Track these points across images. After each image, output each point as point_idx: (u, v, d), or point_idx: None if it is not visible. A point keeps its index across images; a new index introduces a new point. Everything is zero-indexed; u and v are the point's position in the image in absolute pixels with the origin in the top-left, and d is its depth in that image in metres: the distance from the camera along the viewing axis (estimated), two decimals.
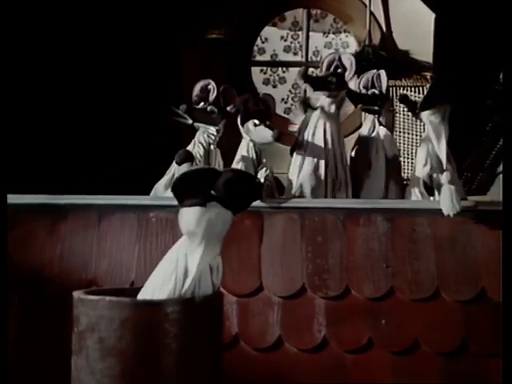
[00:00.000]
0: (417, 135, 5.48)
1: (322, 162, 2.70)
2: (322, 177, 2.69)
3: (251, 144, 2.77)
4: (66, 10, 5.56)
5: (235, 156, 2.81)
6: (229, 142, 2.91)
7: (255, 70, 6.66)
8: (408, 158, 5.16)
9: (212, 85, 2.84)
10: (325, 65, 2.80)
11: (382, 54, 5.99)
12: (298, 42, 6.68)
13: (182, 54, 6.11)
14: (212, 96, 2.83)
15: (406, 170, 4.38)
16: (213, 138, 2.84)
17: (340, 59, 2.77)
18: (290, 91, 6.70)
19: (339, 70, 2.76)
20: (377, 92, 2.88)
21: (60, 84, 5.53)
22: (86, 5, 5.62)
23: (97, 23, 5.67)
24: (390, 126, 2.97)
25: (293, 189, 2.72)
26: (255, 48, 6.66)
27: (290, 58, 6.69)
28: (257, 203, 2.54)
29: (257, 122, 2.75)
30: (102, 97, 5.63)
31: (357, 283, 2.44)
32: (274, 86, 6.68)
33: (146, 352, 1.66)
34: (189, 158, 2.71)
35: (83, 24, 5.64)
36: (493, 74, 5.49)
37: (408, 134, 5.51)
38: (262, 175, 2.73)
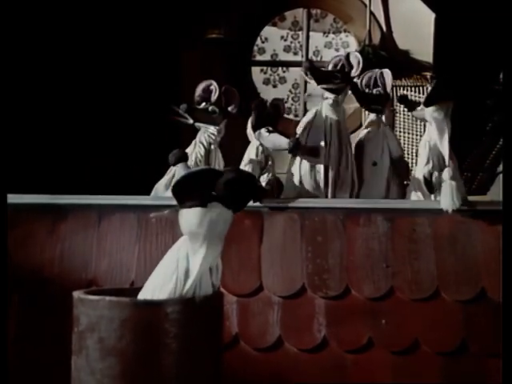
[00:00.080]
0: (417, 135, 5.48)
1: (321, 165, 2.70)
2: (321, 176, 2.69)
3: (260, 148, 2.77)
4: (65, 10, 5.56)
5: (237, 156, 2.81)
6: (230, 143, 2.90)
7: (255, 70, 6.66)
8: (408, 158, 5.16)
9: (214, 85, 2.84)
10: (331, 66, 2.81)
11: (382, 53, 5.99)
12: (298, 42, 6.68)
13: (182, 54, 6.11)
14: (214, 96, 2.83)
15: None
16: (213, 138, 2.84)
17: (348, 58, 2.77)
18: (290, 91, 6.70)
19: (346, 69, 2.76)
20: (381, 91, 2.88)
21: (60, 84, 5.53)
22: (86, 5, 5.62)
23: (97, 24, 5.67)
24: (390, 126, 2.96)
25: (292, 189, 2.72)
26: (255, 48, 6.67)
27: (290, 57, 6.70)
28: (257, 203, 2.54)
29: (270, 128, 2.75)
30: (102, 97, 5.63)
31: (357, 283, 2.44)
32: (274, 86, 6.68)
33: (146, 352, 1.66)
34: (183, 157, 2.71)
35: (83, 24, 5.64)
36: (493, 74, 5.49)
37: (408, 133, 5.51)
38: (264, 179, 2.73)
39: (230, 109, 2.84)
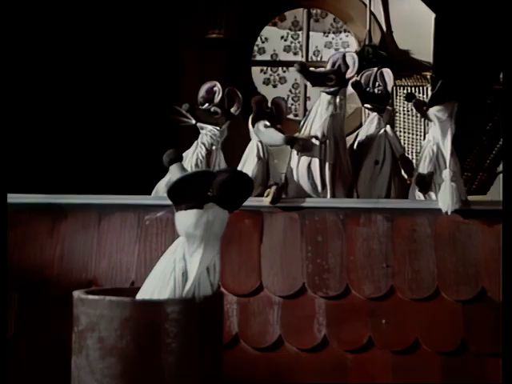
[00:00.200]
0: (417, 135, 5.48)
1: (316, 161, 2.69)
2: (317, 176, 2.69)
3: (260, 145, 2.77)
4: (65, 11, 5.56)
5: (238, 157, 2.80)
6: (231, 143, 2.90)
7: (255, 70, 6.67)
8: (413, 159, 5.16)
9: (218, 87, 2.84)
10: (329, 64, 2.81)
11: (382, 53, 5.99)
12: (298, 42, 6.68)
13: (182, 54, 6.11)
14: (217, 98, 2.82)
15: None
16: (215, 138, 2.83)
17: (344, 58, 2.77)
18: (290, 91, 6.70)
19: (342, 70, 2.76)
20: (382, 90, 2.87)
21: (60, 84, 5.53)
22: (86, 5, 5.62)
23: (97, 24, 5.67)
24: (390, 126, 2.95)
25: (290, 188, 2.72)
26: (255, 48, 6.67)
27: (290, 57, 6.70)
28: (257, 203, 2.54)
29: (267, 123, 2.75)
30: (102, 97, 5.63)
31: (357, 283, 2.44)
32: (274, 86, 6.69)
33: (145, 352, 1.66)
34: (178, 158, 2.70)
35: (83, 25, 5.64)
36: (493, 74, 5.49)
37: (408, 133, 5.51)
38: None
39: (232, 110, 2.84)
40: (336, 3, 6.50)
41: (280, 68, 6.73)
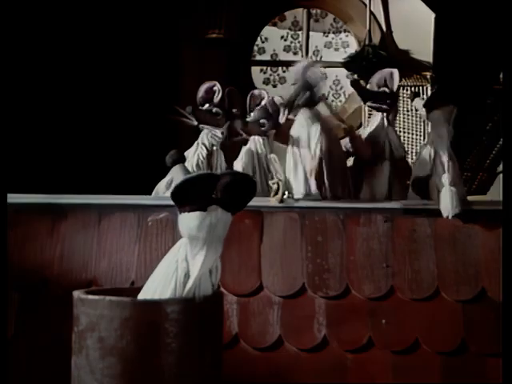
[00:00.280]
0: (417, 135, 5.48)
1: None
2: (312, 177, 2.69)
3: (261, 141, 2.77)
4: (65, 11, 5.56)
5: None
6: (232, 144, 2.90)
7: (255, 70, 6.67)
8: (408, 158, 5.16)
9: (217, 86, 2.84)
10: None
11: (382, 53, 5.99)
12: (298, 42, 6.68)
13: (182, 54, 6.11)
14: (217, 98, 2.82)
15: None
16: (217, 139, 2.83)
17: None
18: None
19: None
20: (387, 90, 2.86)
21: (61, 84, 5.53)
22: (85, 5, 5.62)
23: (97, 24, 5.67)
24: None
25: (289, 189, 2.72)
26: (255, 48, 6.67)
27: (290, 57, 6.69)
28: (257, 203, 2.54)
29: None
30: (102, 97, 5.63)
31: (357, 283, 2.44)
32: (274, 86, 6.69)
33: (146, 352, 1.66)
34: (180, 159, 2.71)
35: (83, 25, 5.64)
36: (493, 74, 5.49)
37: (408, 133, 5.51)
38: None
39: (233, 111, 2.84)
40: (336, 3, 6.50)
41: (280, 68, 6.73)
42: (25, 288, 2.44)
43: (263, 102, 2.80)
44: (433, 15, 6.05)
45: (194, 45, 6.15)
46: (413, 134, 5.48)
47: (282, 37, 6.70)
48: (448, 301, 2.41)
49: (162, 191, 2.74)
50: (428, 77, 5.87)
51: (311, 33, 6.64)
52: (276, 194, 2.57)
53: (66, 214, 2.56)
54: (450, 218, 2.47)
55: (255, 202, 2.49)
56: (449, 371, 2.35)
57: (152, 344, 1.66)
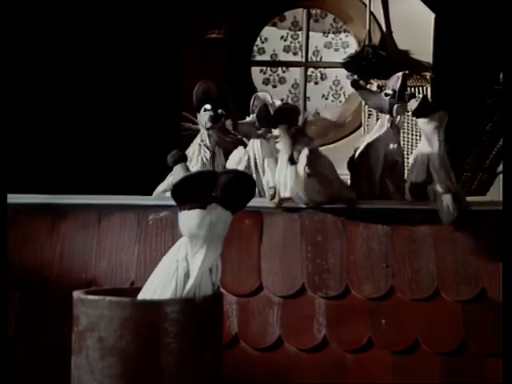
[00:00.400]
0: (417, 135, 5.48)
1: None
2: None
3: (254, 141, 2.76)
4: (65, 11, 5.56)
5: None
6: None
7: (255, 70, 6.67)
8: (407, 158, 5.16)
9: (214, 86, 2.83)
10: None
11: (382, 53, 5.99)
12: (298, 42, 6.68)
13: (182, 54, 6.11)
14: (215, 97, 2.81)
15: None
16: (218, 140, 2.83)
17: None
18: (289, 91, 6.70)
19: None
20: (389, 92, 2.85)
21: (61, 85, 5.53)
22: (85, 6, 5.62)
23: (97, 24, 5.67)
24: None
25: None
26: (255, 48, 6.67)
27: (289, 57, 6.70)
28: (257, 203, 2.54)
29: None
30: (102, 97, 5.63)
31: (357, 283, 2.44)
32: (274, 86, 6.68)
33: (145, 352, 1.66)
34: (182, 158, 2.70)
35: (84, 25, 5.64)
36: (493, 74, 5.49)
37: (408, 133, 5.51)
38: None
39: (219, 111, 2.82)
40: (336, 3, 6.50)
41: (280, 68, 6.73)
42: (25, 288, 2.44)
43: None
44: (433, 15, 6.05)
45: (194, 45, 6.15)
46: (413, 134, 5.47)
47: (282, 37, 6.69)
48: (448, 301, 2.41)
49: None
50: (428, 77, 5.87)
51: (311, 33, 6.64)
52: (273, 198, 2.57)
53: (65, 214, 2.56)
54: (449, 223, 2.48)
55: (255, 202, 2.52)
56: (449, 371, 2.35)
57: (152, 344, 1.66)
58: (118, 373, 1.66)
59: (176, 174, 2.62)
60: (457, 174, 2.77)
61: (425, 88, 5.77)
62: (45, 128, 5.35)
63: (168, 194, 2.68)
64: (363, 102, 5.67)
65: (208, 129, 2.77)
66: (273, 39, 6.68)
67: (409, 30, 6.12)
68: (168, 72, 5.87)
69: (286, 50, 6.70)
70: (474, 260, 2.46)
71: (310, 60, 6.64)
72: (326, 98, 6.62)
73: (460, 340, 2.36)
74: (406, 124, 5.47)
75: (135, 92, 5.67)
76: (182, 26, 6.09)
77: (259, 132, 2.73)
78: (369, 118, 5.74)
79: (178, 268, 1.74)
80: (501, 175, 5.66)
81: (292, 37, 6.69)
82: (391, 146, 2.82)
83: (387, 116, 2.79)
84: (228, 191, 1.74)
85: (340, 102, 6.59)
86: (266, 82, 6.70)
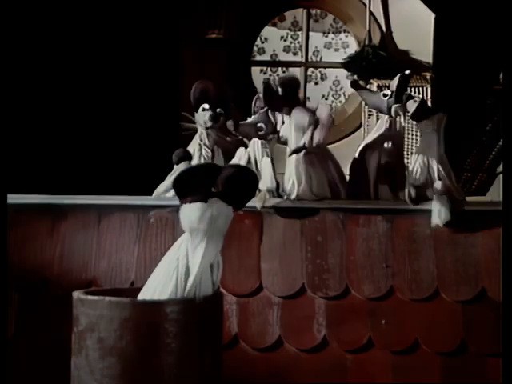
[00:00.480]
0: (417, 135, 5.48)
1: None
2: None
3: (254, 141, 2.76)
4: (65, 11, 5.56)
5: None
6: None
7: (255, 70, 6.66)
8: (407, 158, 5.16)
9: (212, 86, 2.83)
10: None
11: (382, 53, 5.99)
12: (298, 42, 6.68)
13: (182, 54, 6.11)
14: (213, 96, 2.81)
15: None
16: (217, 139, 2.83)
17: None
18: None
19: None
20: (387, 92, 2.85)
21: (61, 85, 5.53)
22: (85, 6, 5.62)
23: (97, 24, 5.67)
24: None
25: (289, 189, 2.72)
26: (255, 48, 6.67)
27: (289, 58, 6.69)
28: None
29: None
30: (102, 97, 5.63)
31: (357, 283, 2.44)
32: None
33: (145, 352, 1.66)
34: (186, 157, 2.71)
35: (84, 25, 5.64)
36: (493, 74, 5.49)
37: (408, 134, 5.51)
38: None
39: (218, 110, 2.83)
40: (336, 3, 6.50)
41: (280, 68, 6.72)
42: (25, 288, 2.44)
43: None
44: (432, 15, 6.05)
45: (194, 45, 6.15)
46: (412, 134, 5.47)
47: (282, 37, 6.69)
48: (448, 301, 2.41)
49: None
50: (428, 77, 5.87)
51: (311, 33, 6.64)
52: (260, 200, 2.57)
53: (65, 214, 2.56)
54: (440, 225, 2.48)
55: (255, 202, 2.52)
56: (449, 371, 2.35)
57: (152, 344, 1.66)
58: (118, 373, 1.65)
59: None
60: (457, 174, 2.77)
61: (425, 88, 5.77)
62: (45, 128, 5.35)
63: (168, 194, 2.69)
64: (363, 102, 5.67)
65: (208, 128, 2.77)
66: (273, 39, 6.68)
67: (409, 30, 6.12)
68: (168, 72, 5.87)
69: (286, 50, 6.70)
70: (474, 260, 2.46)
71: (309, 60, 6.63)
72: (326, 99, 6.61)
73: (460, 340, 2.36)
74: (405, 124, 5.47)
75: (135, 92, 5.67)
76: (182, 26, 6.09)
77: (260, 133, 2.73)
78: (369, 118, 5.74)
79: (179, 265, 1.73)
80: (501, 175, 5.66)
81: (292, 37, 6.69)
82: (386, 146, 2.82)
83: (386, 116, 2.79)
84: (229, 186, 1.74)
85: (340, 102, 6.59)
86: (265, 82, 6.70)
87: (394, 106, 2.69)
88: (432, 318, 2.40)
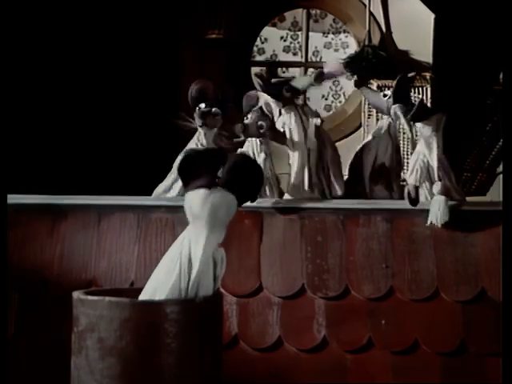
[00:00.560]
0: (416, 135, 5.48)
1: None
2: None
3: (254, 141, 2.76)
4: (65, 11, 5.56)
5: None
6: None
7: (255, 71, 6.66)
8: (405, 159, 5.16)
9: (211, 85, 2.83)
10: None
11: (382, 54, 5.98)
12: (298, 43, 6.68)
13: (182, 54, 6.11)
14: (211, 96, 2.81)
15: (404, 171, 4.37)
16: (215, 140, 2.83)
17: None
18: None
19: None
20: (387, 93, 2.85)
21: (61, 85, 5.53)
22: (85, 6, 5.62)
23: (97, 24, 5.67)
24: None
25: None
26: (255, 48, 6.67)
27: (289, 58, 6.70)
28: (257, 203, 2.54)
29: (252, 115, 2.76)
30: (102, 97, 5.63)
31: (356, 283, 2.44)
32: None
33: (145, 352, 1.66)
34: None
35: (84, 25, 5.64)
36: (492, 75, 5.49)
37: (406, 134, 5.50)
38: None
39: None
40: (335, 3, 6.50)
41: (279, 68, 6.72)
42: (25, 288, 2.44)
43: (259, 103, 2.80)
44: (432, 16, 6.05)
45: (194, 45, 6.15)
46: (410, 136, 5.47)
47: (282, 37, 6.70)
48: (447, 301, 2.41)
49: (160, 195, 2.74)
50: (428, 77, 5.87)
51: (311, 33, 6.64)
52: None
53: (65, 214, 2.56)
54: (438, 225, 2.48)
55: (255, 202, 2.52)
56: (448, 371, 2.35)
57: (152, 344, 1.66)
58: (118, 373, 1.65)
59: None
60: (457, 174, 2.77)
61: (425, 88, 5.77)
62: (45, 128, 5.35)
63: (168, 194, 2.69)
64: (363, 103, 5.68)
65: (200, 126, 2.76)
66: (272, 39, 6.68)
67: (408, 30, 6.12)
68: (168, 72, 5.87)
69: (286, 50, 6.70)
70: (474, 260, 2.46)
71: (309, 60, 6.64)
72: (326, 99, 6.62)
73: (460, 340, 2.36)
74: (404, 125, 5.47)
75: (135, 92, 5.67)
76: (182, 26, 6.09)
77: (262, 131, 2.73)
78: (369, 118, 5.74)
79: (182, 256, 1.73)
80: (501, 175, 5.66)
81: (292, 37, 6.69)
82: (381, 147, 2.82)
83: (385, 117, 2.80)
84: (232, 174, 1.74)
85: (340, 102, 6.59)
86: None
87: (392, 107, 2.70)
88: (432, 318, 2.40)
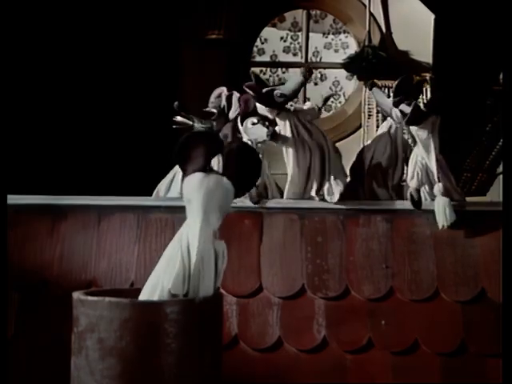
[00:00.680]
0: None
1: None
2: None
3: (250, 143, 2.76)
4: (65, 11, 5.56)
5: None
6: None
7: (255, 71, 6.67)
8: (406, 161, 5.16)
9: (224, 92, 2.85)
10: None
11: (382, 54, 5.99)
12: (298, 43, 6.68)
13: (182, 54, 6.11)
14: (222, 102, 2.83)
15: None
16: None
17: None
18: None
19: None
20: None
21: (61, 85, 5.53)
22: (85, 7, 5.62)
23: (97, 24, 5.68)
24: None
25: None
26: (255, 49, 6.67)
27: (289, 58, 6.70)
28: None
29: (255, 120, 2.73)
30: (102, 98, 5.63)
31: (357, 284, 2.44)
32: None
33: (145, 352, 1.66)
34: None
35: (84, 25, 5.64)
36: (492, 75, 5.50)
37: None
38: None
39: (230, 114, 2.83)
40: (335, 4, 6.50)
41: (279, 69, 6.73)
42: (25, 288, 2.44)
43: (234, 98, 2.81)
44: (432, 16, 6.05)
45: (194, 45, 6.16)
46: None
47: (282, 38, 6.70)
48: (447, 301, 2.42)
49: (163, 191, 2.74)
50: (427, 78, 5.87)
51: (311, 34, 6.65)
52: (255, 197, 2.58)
53: (65, 214, 2.56)
54: (445, 227, 2.48)
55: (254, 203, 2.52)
56: (448, 372, 2.35)
57: (152, 344, 1.66)
58: (118, 373, 1.65)
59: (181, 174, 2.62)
60: (457, 175, 2.78)
61: (425, 89, 5.78)
62: (45, 128, 5.35)
63: (169, 194, 2.70)
64: (363, 103, 5.69)
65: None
66: (273, 40, 6.68)
67: (408, 30, 6.12)
68: (168, 72, 5.87)
69: (286, 50, 6.71)
70: (474, 260, 2.46)
71: (309, 61, 6.64)
72: None
73: (460, 340, 2.36)
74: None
75: (135, 92, 5.68)
76: (182, 26, 6.10)
77: (268, 133, 2.73)
78: (369, 118, 5.74)
79: (182, 245, 1.73)
80: (501, 175, 5.66)
81: (292, 37, 6.70)
82: (380, 147, 2.82)
83: (389, 118, 2.80)
84: (231, 160, 1.75)
85: (340, 102, 6.59)
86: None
87: (393, 109, 2.70)
88: (432, 319, 2.40)
